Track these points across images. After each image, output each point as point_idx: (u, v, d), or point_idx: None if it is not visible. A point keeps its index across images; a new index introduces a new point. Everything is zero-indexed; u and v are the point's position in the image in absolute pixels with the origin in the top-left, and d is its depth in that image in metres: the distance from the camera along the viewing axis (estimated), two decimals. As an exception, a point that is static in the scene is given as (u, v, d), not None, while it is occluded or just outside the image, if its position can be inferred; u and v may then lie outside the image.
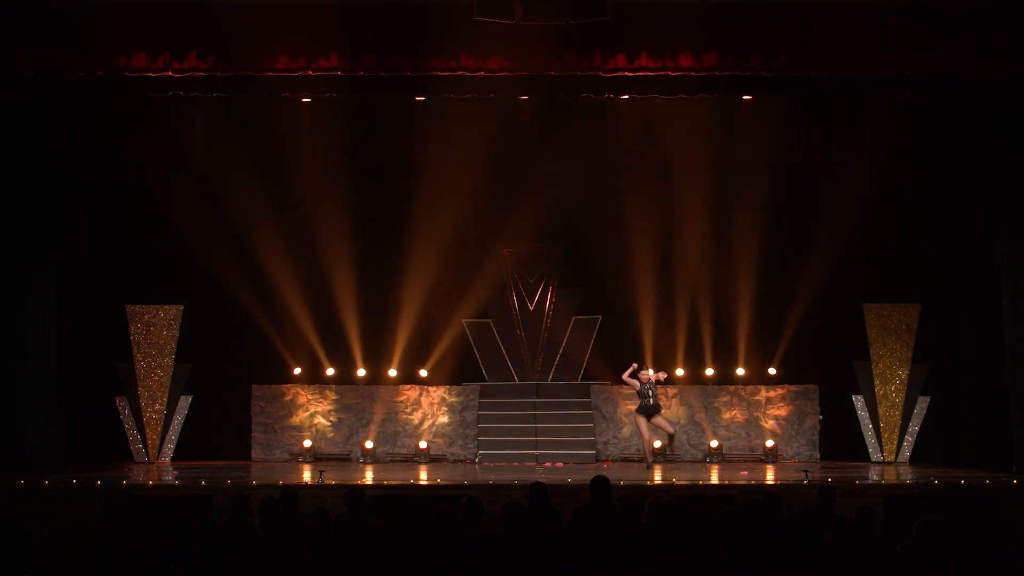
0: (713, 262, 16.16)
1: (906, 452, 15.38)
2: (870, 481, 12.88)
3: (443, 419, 15.90)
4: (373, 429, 15.83)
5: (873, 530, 7.72)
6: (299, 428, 15.84)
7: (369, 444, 15.61)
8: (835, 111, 15.44)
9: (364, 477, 13.48)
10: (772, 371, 16.12)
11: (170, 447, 15.48)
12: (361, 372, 16.15)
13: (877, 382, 15.44)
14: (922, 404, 15.36)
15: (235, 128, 15.64)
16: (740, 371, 16.10)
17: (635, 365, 14.92)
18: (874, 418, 15.45)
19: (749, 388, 15.99)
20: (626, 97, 14.24)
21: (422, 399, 15.94)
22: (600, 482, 8.63)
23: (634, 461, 15.58)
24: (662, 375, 14.93)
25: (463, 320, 16.46)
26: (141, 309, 15.46)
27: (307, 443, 15.61)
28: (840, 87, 13.36)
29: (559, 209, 16.25)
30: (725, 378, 16.15)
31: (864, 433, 15.53)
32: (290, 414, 15.90)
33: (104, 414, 15.33)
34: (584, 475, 13.23)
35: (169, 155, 15.65)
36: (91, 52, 12.64)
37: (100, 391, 15.31)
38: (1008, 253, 13.80)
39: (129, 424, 15.36)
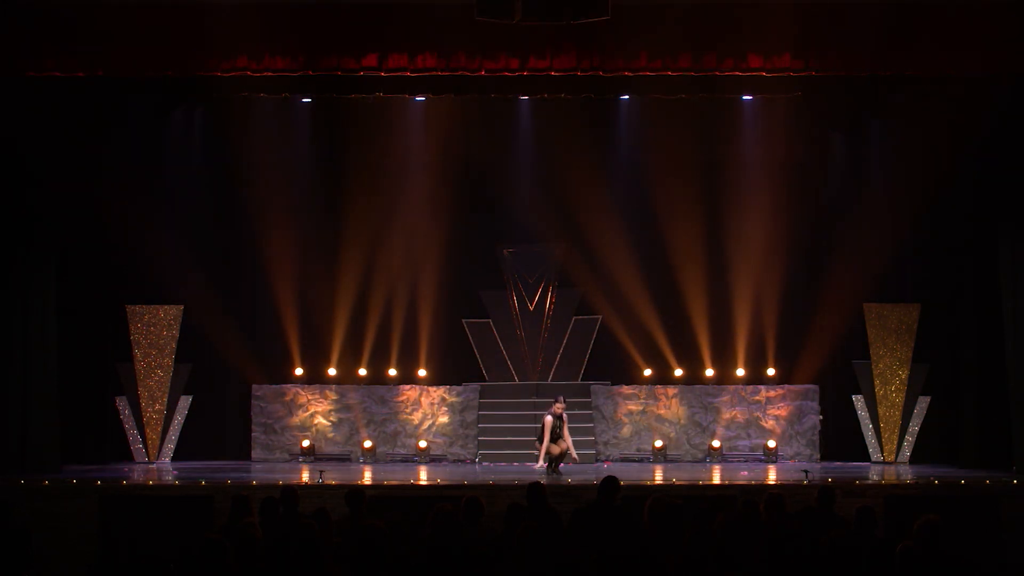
0: (713, 262, 16.14)
1: (906, 452, 15.38)
2: (870, 481, 12.88)
3: (443, 419, 15.90)
4: (373, 429, 15.83)
5: (873, 530, 7.72)
6: (299, 428, 15.83)
7: (369, 444, 15.61)
8: (835, 111, 15.43)
9: (364, 477, 13.48)
10: (772, 371, 16.12)
11: (170, 447, 15.48)
12: (362, 372, 16.15)
13: (877, 382, 15.44)
14: (922, 404, 15.36)
15: (235, 128, 15.63)
16: (740, 371, 16.10)
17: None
18: (874, 418, 15.45)
19: (749, 388, 15.99)
20: (626, 97, 14.23)
21: (422, 399, 15.94)
22: (610, 482, 8.63)
23: (634, 461, 15.60)
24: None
25: (463, 320, 16.46)
26: (141, 309, 15.46)
27: (307, 443, 15.61)
28: (840, 87, 13.34)
29: (559, 209, 16.25)
30: (725, 378, 16.16)
31: (864, 433, 15.53)
32: (290, 414, 15.90)
33: (104, 414, 15.33)
34: (584, 475, 13.26)
35: (170, 154, 15.65)
36: (89, 50, 12.62)
37: (100, 391, 15.31)
38: (1008, 253, 13.81)
39: (129, 424, 15.35)
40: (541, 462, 13.45)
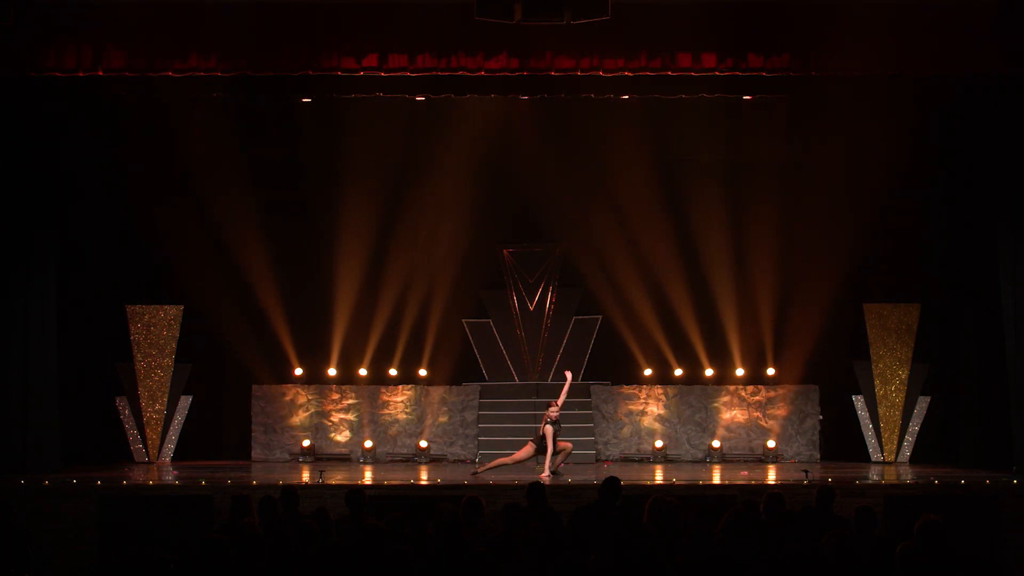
0: (713, 262, 16.13)
1: (906, 452, 15.38)
2: (870, 481, 12.88)
3: (443, 419, 15.90)
4: (373, 429, 15.83)
5: (873, 530, 7.72)
6: (299, 428, 15.84)
7: (369, 444, 15.61)
8: (835, 111, 15.42)
9: (364, 477, 13.48)
10: (771, 371, 16.12)
11: (170, 447, 15.48)
12: (362, 372, 16.15)
13: (877, 382, 15.44)
14: (922, 404, 15.36)
15: (235, 128, 15.62)
16: (739, 371, 16.09)
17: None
18: (874, 418, 15.45)
19: (749, 388, 15.99)
20: (626, 97, 14.21)
21: (422, 399, 15.95)
22: (611, 483, 8.63)
23: (634, 461, 15.60)
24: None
25: (463, 320, 16.46)
26: (141, 309, 15.46)
27: (307, 443, 15.61)
28: (840, 87, 13.34)
29: (559, 209, 16.25)
30: (725, 378, 16.16)
31: (864, 433, 15.53)
32: (290, 414, 15.90)
33: (104, 414, 15.33)
34: (584, 475, 13.26)
35: (170, 154, 15.65)
36: (88, 50, 12.60)
37: (100, 391, 15.31)
38: (1008, 252, 13.80)
39: (129, 424, 15.36)
40: (547, 472, 13.21)
